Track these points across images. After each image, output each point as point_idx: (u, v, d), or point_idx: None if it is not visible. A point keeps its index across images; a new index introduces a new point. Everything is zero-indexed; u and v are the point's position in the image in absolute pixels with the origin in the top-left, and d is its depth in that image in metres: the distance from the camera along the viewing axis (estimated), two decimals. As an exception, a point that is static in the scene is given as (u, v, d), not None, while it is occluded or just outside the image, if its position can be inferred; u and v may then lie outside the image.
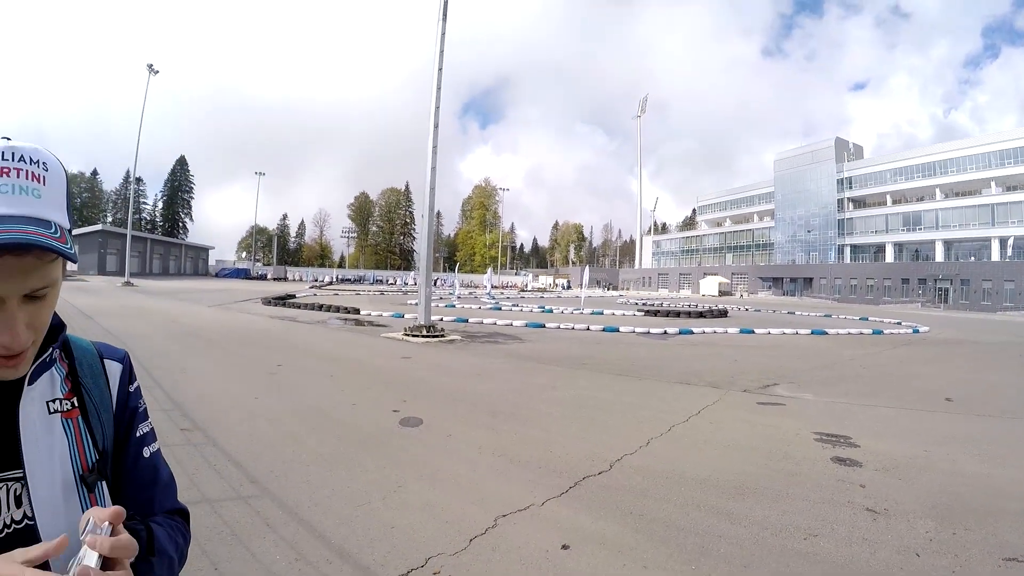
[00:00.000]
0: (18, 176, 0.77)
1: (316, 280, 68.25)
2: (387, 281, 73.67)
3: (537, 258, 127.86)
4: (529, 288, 61.26)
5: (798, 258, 77.66)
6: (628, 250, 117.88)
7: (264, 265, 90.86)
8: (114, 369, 1.04)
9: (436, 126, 15.16)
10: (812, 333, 19.58)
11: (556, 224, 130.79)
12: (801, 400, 8.42)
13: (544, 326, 18.45)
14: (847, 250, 73.34)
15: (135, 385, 1.07)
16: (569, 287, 64.77)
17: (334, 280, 70.22)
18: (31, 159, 0.79)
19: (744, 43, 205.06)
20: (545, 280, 73.05)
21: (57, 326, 0.92)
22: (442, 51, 15.34)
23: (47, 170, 0.81)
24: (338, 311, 22.56)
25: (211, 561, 3.22)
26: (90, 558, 0.68)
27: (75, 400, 0.94)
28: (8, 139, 0.80)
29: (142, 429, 1.04)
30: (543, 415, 6.95)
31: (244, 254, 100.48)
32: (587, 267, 45.85)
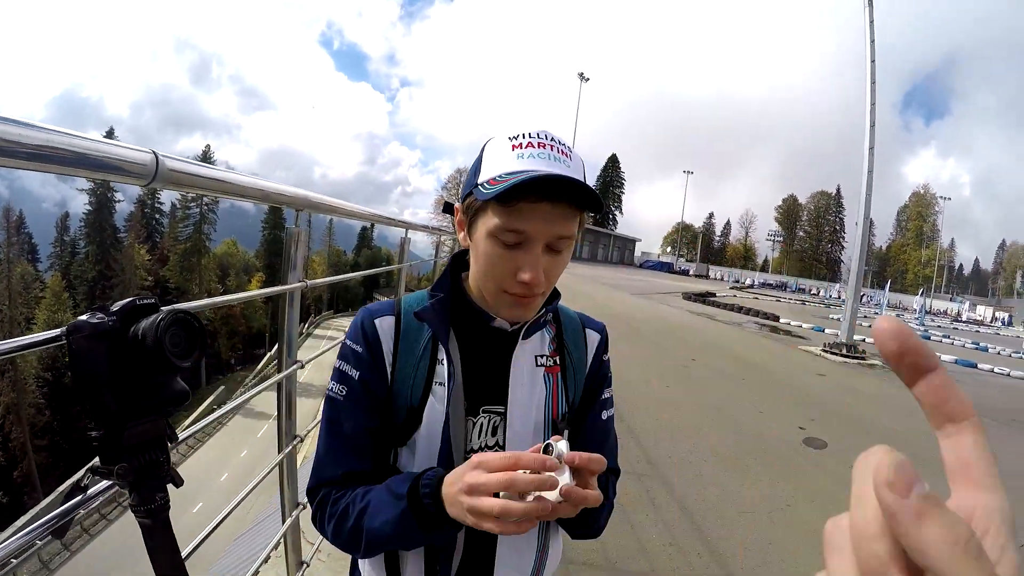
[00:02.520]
0: (553, 150, 0.89)
1: (737, 281, 67.06)
2: (810, 291, 68.50)
3: (976, 283, 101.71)
4: (963, 318, 50.25)
5: None
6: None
7: (687, 261, 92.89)
8: (593, 338, 1.16)
9: (872, 125, 13.47)
10: None
11: (1003, 244, 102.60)
12: None
13: (975, 366, 15.06)
14: None
15: (607, 356, 1.18)
16: (1010, 323, 50.85)
17: (755, 283, 68.24)
18: (561, 142, 0.92)
19: None
20: (983, 311, 58.66)
21: (554, 294, 1.04)
22: (872, 40, 13.46)
23: (571, 154, 0.92)
24: (757, 315, 22.03)
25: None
26: (565, 476, 0.76)
27: (557, 359, 1.08)
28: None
29: (605, 394, 1.15)
30: None
31: (668, 249, 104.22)
32: None
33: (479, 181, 0.91)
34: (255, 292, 1.45)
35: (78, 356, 0.69)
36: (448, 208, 1.06)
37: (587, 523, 1.02)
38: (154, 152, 0.85)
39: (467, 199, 0.95)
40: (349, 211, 2.11)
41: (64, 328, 0.71)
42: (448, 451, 0.95)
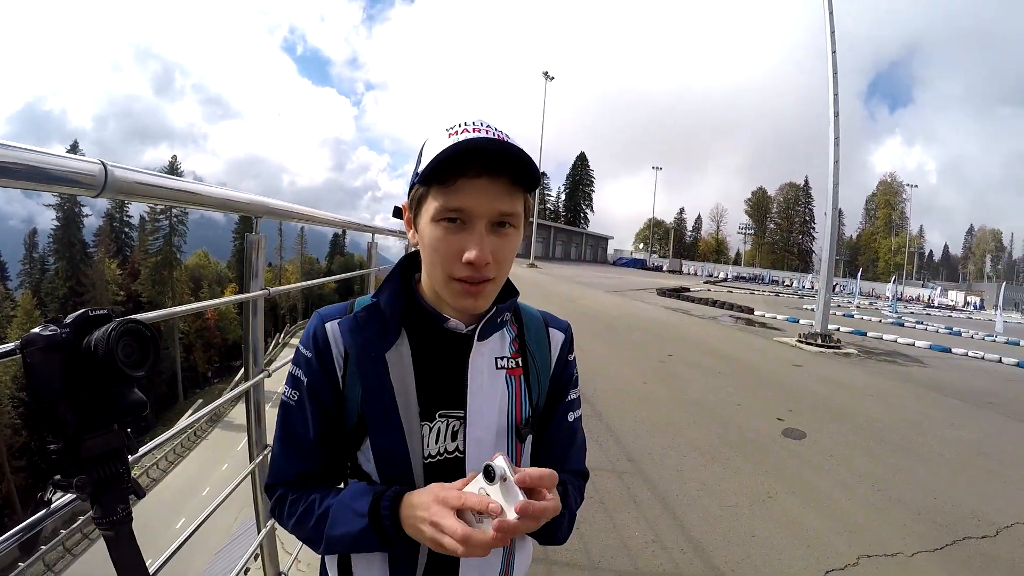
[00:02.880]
0: (487, 132, 0.88)
1: (711, 275, 67.78)
2: (783, 282, 69.48)
3: (947, 268, 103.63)
4: (935, 303, 51.40)
5: None
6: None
7: (660, 257, 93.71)
8: (557, 338, 1.13)
9: (836, 115, 13.73)
10: None
11: (971, 229, 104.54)
12: None
13: (950, 351, 15.30)
14: None
15: (573, 356, 1.16)
16: (981, 307, 52.05)
17: (728, 277, 69.05)
18: (499, 129, 0.91)
19: None
20: (955, 296, 59.90)
21: (511, 291, 1.04)
22: (832, 31, 13.69)
23: (510, 139, 0.90)
24: (731, 309, 22.23)
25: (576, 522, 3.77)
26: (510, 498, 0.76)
27: (519, 360, 1.05)
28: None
29: (571, 395, 1.14)
30: (933, 454, 6.03)
31: (641, 245, 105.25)
32: (1004, 284, 36.75)
33: (418, 171, 0.91)
34: (213, 301, 1.44)
35: (33, 369, 0.69)
36: (398, 213, 1.04)
37: (548, 532, 0.98)
38: (102, 162, 0.85)
39: (411, 192, 0.95)
40: (309, 216, 2.08)
41: (18, 341, 0.70)
42: (405, 457, 0.94)
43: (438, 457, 0.96)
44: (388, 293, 1.00)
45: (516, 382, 1.03)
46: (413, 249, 1.04)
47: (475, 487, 0.80)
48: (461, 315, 0.98)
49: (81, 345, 0.70)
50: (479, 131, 0.88)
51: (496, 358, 1.02)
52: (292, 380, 1.00)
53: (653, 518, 3.98)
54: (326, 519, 0.92)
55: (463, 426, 0.97)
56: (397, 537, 0.86)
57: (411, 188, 0.95)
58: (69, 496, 0.85)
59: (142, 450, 0.95)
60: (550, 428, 1.11)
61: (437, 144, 0.89)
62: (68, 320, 0.72)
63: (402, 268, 1.04)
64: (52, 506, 0.85)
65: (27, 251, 52.04)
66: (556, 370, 1.12)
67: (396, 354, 0.97)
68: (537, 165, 0.88)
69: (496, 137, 0.87)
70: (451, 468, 0.96)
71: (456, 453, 0.97)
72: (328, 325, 1.00)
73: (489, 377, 1.00)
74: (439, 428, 0.96)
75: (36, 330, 0.70)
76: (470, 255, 0.87)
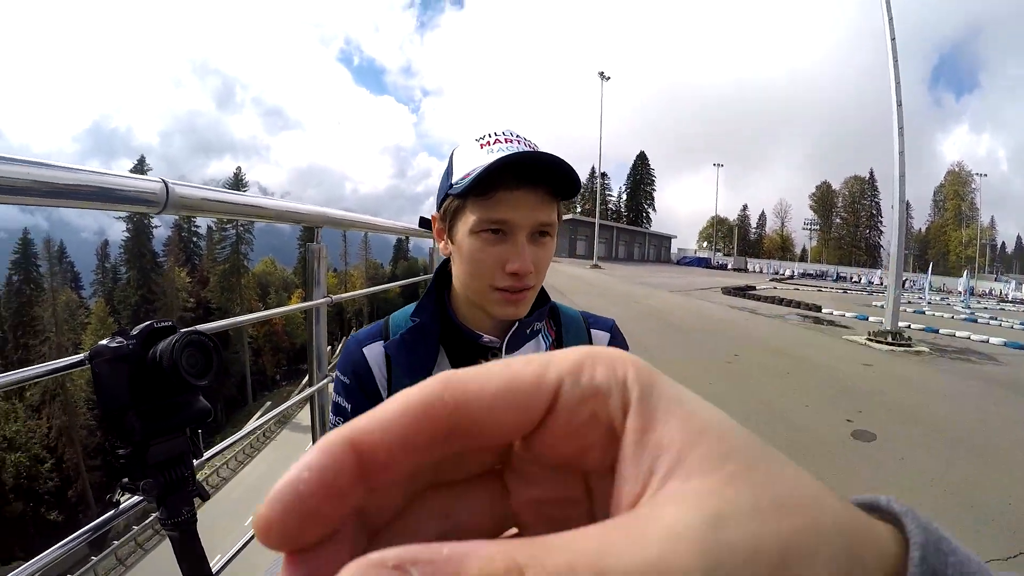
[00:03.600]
0: (519, 144, 0.90)
1: (776, 273, 65.96)
2: (851, 278, 66.77)
3: (1021, 261, 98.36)
4: (1010, 298, 48.32)
5: None
6: None
7: (724, 255, 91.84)
8: (601, 339, 1.08)
9: (899, 103, 13.14)
10: None
11: None
12: None
13: None
14: None
15: None
16: None
17: (795, 274, 66.94)
18: (529, 139, 0.93)
19: None
20: None
21: (543, 298, 1.03)
22: (891, 18, 13.19)
23: (539, 149, 0.92)
24: (798, 307, 21.57)
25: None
26: None
27: None
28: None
29: None
30: (1009, 458, 5.67)
31: (704, 243, 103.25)
32: None
33: (452, 183, 0.91)
34: (277, 310, 1.50)
35: (101, 379, 0.73)
36: (424, 223, 1.04)
37: None
38: (164, 180, 0.89)
39: (443, 204, 0.94)
40: (366, 224, 2.15)
41: (87, 353, 0.75)
42: None
43: None
44: (428, 312, 0.99)
45: None
46: (443, 257, 1.02)
47: None
48: (494, 330, 0.98)
49: (147, 356, 0.74)
50: (510, 141, 0.89)
51: None
52: (335, 408, 1.01)
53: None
54: None
55: None
56: None
57: (443, 199, 0.94)
58: (136, 498, 0.90)
59: (207, 453, 0.98)
60: None
61: (470, 156, 0.90)
62: (135, 332, 0.76)
63: (436, 283, 1.03)
64: (120, 507, 0.89)
65: (99, 262, 54.73)
66: None
67: (444, 369, 0.97)
68: (576, 173, 0.87)
69: (530, 149, 0.88)
70: None
71: None
72: (366, 349, 1.00)
73: None
74: None
75: (103, 342, 0.74)
76: (514, 266, 0.87)
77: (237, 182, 67.45)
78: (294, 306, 1.61)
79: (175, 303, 51.63)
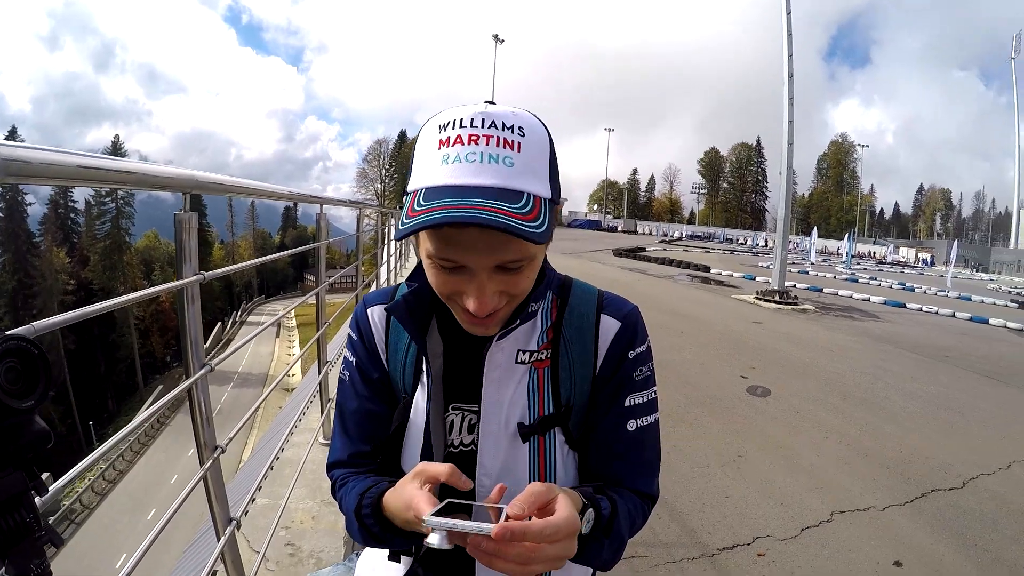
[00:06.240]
0: (487, 143, 0.72)
1: (666, 235, 68.21)
2: (737, 240, 70.49)
3: (898, 226, 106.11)
4: (888, 260, 52.91)
5: None
6: (1003, 225, 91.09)
7: (614, 218, 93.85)
8: (609, 327, 0.94)
9: (791, 76, 13.95)
10: None
11: (921, 188, 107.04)
12: None
13: (904, 306, 15.68)
14: None
15: (637, 351, 0.96)
16: (932, 263, 53.87)
17: (683, 236, 69.67)
18: (504, 124, 0.73)
19: None
20: (906, 253, 61.83)
21: (548, 281, 0.91)
22: None
23: (523, 135, 0.74)
24: (688, 267, 22.45)
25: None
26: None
27: (550, 351, 0.92)
28: (492, 103, 0.77)
29: (632, 400, 0.94)
30: (897, 408, 6.20)
31: (595, 206, 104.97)
32: (956, 242, 38.09)
33: (408, 187, 0.77)
34: (138, 294, 1.22)
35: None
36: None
37: (584, 554, 0.77)
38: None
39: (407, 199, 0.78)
40: (247, 188, 1.83)
41: None
42: (428, 447, 0.91)
43: (453, 450, 0.92)
44: (423, 277, 0.87)
45: (539, 375, 0.91)
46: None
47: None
48: None
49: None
50: (475, 139, 0.72)
51: (519, 350, 0.91)
52: (345, 360, 1.03)
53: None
54: (343, 511, 0.93)
55: (479, 420, 0.91)
56: (386, 535, 0.83)
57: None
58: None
59: (61, 480, 0.83)
60: (602, 436, 0.94)
61: (427, 152, 0.75)
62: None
63: None
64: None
65: (-30, 247, 48.93)
66: (605, 366, 0.94)
67: (433, 339, 0.93)
68: (538, 221, 0.71)
69: (494, 155, 0.72)
70: (463, 462, 0.88)
71: (473, 447, 0.92)
72: (371, 310, 1.01)
73: (507, 371, 0.91)
74: (453, 420, 0.92)
75: None
76: (470, 306, 0.77)
77: (116, 151, 62.13)
78: (159, 287, 1.36)
79: (55, 286, 47.33)
